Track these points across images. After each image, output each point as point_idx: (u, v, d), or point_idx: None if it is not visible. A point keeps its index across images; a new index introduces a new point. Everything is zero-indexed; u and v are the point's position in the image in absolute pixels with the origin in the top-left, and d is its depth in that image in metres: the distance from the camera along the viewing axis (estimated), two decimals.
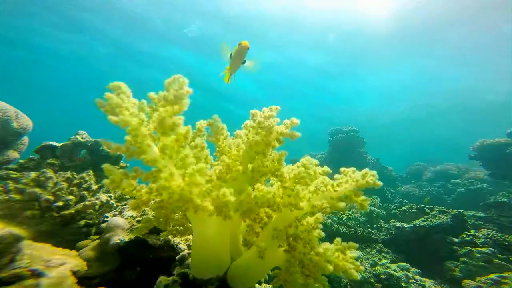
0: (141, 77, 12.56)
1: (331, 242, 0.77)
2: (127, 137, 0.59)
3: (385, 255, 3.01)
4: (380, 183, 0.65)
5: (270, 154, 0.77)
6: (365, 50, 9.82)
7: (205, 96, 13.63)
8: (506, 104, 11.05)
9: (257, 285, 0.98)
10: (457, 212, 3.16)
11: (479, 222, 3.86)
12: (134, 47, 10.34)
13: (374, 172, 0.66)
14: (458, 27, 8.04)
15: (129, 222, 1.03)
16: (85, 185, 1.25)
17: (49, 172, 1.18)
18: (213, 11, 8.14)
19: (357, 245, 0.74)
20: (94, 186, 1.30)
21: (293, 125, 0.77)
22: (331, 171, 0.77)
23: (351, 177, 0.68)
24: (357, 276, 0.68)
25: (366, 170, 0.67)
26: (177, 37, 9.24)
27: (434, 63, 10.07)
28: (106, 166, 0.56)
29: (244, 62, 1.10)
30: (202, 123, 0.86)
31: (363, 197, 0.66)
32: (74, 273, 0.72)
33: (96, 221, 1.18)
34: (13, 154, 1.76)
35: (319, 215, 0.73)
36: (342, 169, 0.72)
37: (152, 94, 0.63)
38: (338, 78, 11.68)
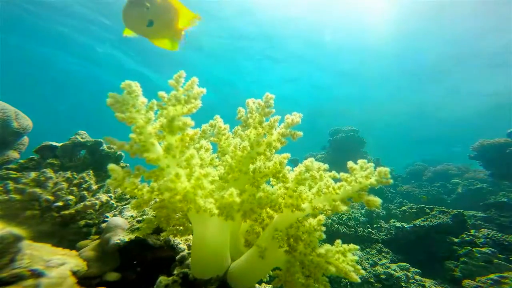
0: (142, 77, 12.56)
1: (331, 242, 0.76)
2: (132, 135, 0.59)
3: (385, 255, 3.01)
4: (390, 181, 0.61)
5: (272, 155, 0.77)
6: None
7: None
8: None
9: (257, 285, 0.98)
10: (457, 212, 3.16)
11: (479, 222, 3.86)
12: (134, 47, 10.34)
13: (383, 170, 0.61)
14: None
15: (129, 222, 1.02)
16: (85, 185, 1.25)
17: (49, 172, 1.18)
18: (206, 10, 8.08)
19: (357, 247, 0.74)
20: (94, 186, 1.30)
21: (294, 123, 0.75)
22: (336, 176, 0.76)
23: (355, 178, 0.65)
24: (357, 278, 0.67)
25: (371, 170, 0.64)
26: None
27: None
28: (110, 166, 0.57)
29: (148, 8, 0.85)
30: (207, 125, 0.87)
31: (368, 197, 0.63)
32: (74, 273, 0.72)
33: (96, 221, 1.18)
34: (13, 154, 1.75)
35: (321, 217, 0.72)
36: (350, 165, 0.67)
37: (162, 93, 0.62)
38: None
